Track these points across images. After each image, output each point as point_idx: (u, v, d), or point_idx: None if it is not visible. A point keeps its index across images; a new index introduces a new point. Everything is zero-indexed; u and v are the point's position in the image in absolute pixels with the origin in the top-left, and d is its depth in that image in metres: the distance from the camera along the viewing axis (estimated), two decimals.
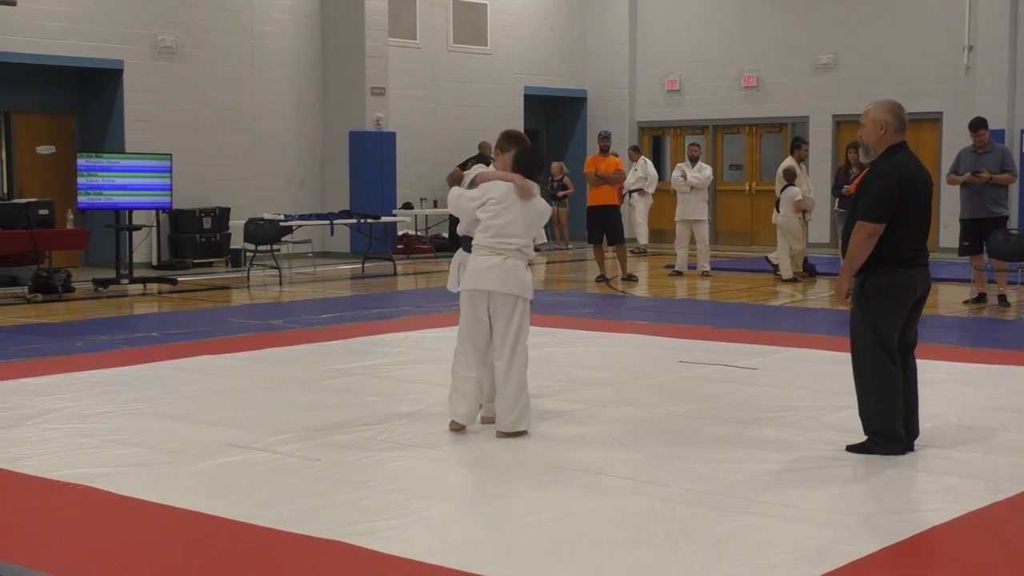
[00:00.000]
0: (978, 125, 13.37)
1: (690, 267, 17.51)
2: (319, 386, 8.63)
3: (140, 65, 18.22)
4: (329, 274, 17.92)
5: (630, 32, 24.42)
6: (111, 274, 15.74)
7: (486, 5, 23.14)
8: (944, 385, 8.42)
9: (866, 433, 6.50)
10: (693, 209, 17.38)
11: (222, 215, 18.91)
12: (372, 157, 20.34)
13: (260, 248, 16.55)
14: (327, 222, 17.78)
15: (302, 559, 4.86)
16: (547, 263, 20.04)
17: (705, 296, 15.34)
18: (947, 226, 19.26)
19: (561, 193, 22.53)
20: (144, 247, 17.56)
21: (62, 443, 6.82)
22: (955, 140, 18.36)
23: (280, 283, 16.32)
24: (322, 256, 19.76)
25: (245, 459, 6.44)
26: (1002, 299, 13.34)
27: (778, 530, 5.15)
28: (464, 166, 22.32)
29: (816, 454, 6.50)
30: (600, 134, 17.49)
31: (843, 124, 21.38)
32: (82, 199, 15.47)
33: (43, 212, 14.71)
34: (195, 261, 18.52)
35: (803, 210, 16.34)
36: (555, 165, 23.24)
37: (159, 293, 15.44)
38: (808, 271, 16.66)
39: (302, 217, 17.74)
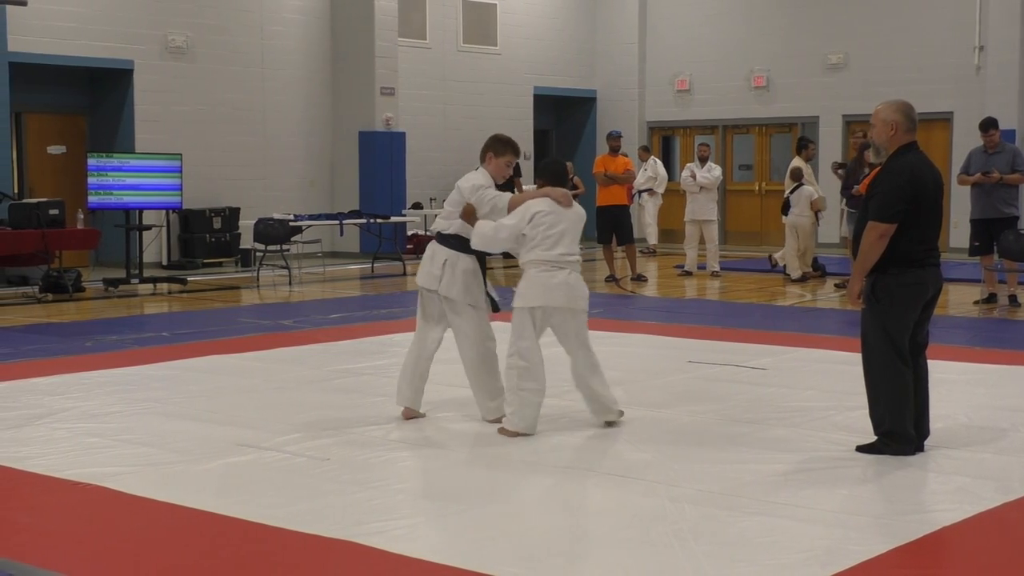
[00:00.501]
0: (989, 125, 13.34)
1: (700, 267, 17.49)
2: (328, 386, 8.63)
3: (150, 65, 18.25)
4: (339, 274, 17.93)
5: (640, 32, 24.40)
6: (121, 274, 15.77)
7: (496, 5, 23.14)
8: (955, 385, 8.40)
9: (876, 434, 6.49)
10: (702, 209, 17.36)
11: (232, 215, 18.94)
12: (382, 157, 20.36)
13: (270, 248, 16.57)
14: (337, 222, 17.79)
15: (311, 559, 4.86)
16: None
17: (715, 296, 15.33)
18: (957, 226, 19.21)
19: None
20: (154, 247, 17.58)
21: (72, 442, 6.83)
22: (966, 140, 18.32)
23: (290, 283, 16.34)
24: (332, 256, 19.78)
25: (254, 459, 6.45)
26: (1012, 299, 13.31)
27: (788, 530, 5.14)
28: None
29: (826, 454, 6.49)
30: (610, 134, 17.47)
31: (853, 124, 21.33)
32: (92, 199, 15.50)
33: (53, 212, 14.73)
34: (205, 261, 18.54)
35: (817, 210, 16.33)
36: (567, 165, 23.18)
37: (169, 293, 15.47)
38: (818, 270, 16.64)
39: (312, 217, 17.76)
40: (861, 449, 6.50)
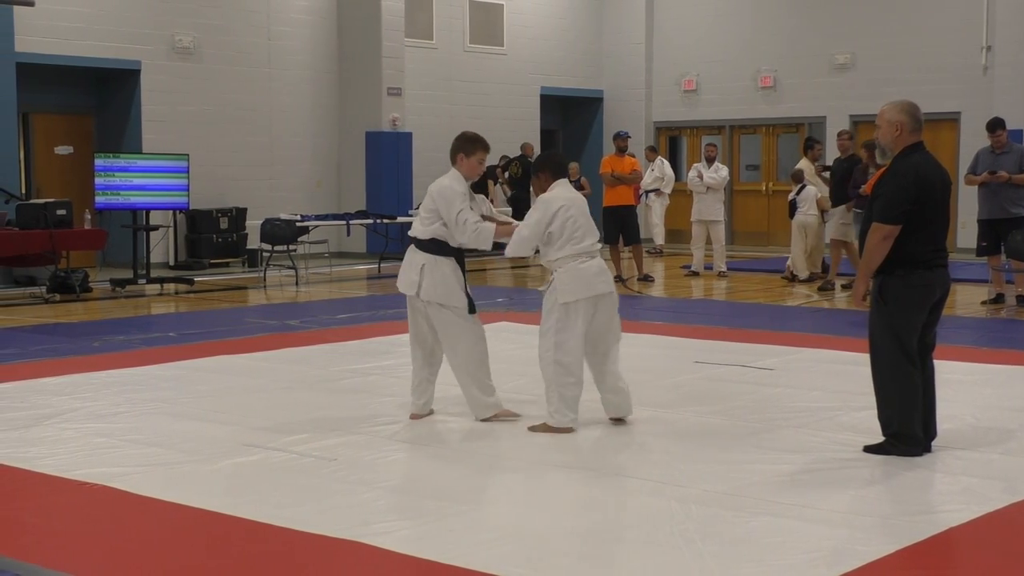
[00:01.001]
0: (996, 125, 13.32)
1: (706, 267, 17.48)
2: (335, 386, 8.64)
3: (157, 66, 18.27)
4: (345, 274, 17.94)
5: (647, 32, 24.40)
6: (128, 274, 15.80)
7: (502, 5, 23.14)
8: (962, 386, 8.39)
9: (884, 435, 6.48)
10: (709, 209, 17.36)
11: (239, 215, 18.96)
12: (388, 157, 20.37)
13: (277, 248, 16.58)
14: (343, 222, 17.80)
15: (318, 559, 4.86)
16: None
17: (721, 296, 15.32)
18: (965, 226, 19.19)
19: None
20: (161, 247, 17.61)
21: (80, 443, 6.84)
22: (973, 140, 18.31)
23: (296, 283, 16.35)
24: (338, 256, 19.79)
25: (262, 459, 6.46)
26: (1020, 300, 13.28)
27: (795, 531, 5.14)
28: (507, 167, 22.46)
29: (833, 455, 6.49)
30: (617, 134, 17.46)
31: (860, 124, 21.30)
32: (99, 199, 15.53)
33: (61, 212, 14.75)
34: (212, 261, 18.56)
35: (823, 209, 16.32)
36: (572, 165, 23.19)
37: (176, 293, 15.49)
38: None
39: (318, 217, 17.77)
40: (868, 450, 6.49)
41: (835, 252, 15.48)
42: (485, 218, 7.32)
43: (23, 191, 16.93)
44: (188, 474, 6.18)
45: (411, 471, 6.39)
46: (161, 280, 15.95)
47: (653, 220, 21.70)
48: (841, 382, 8.47)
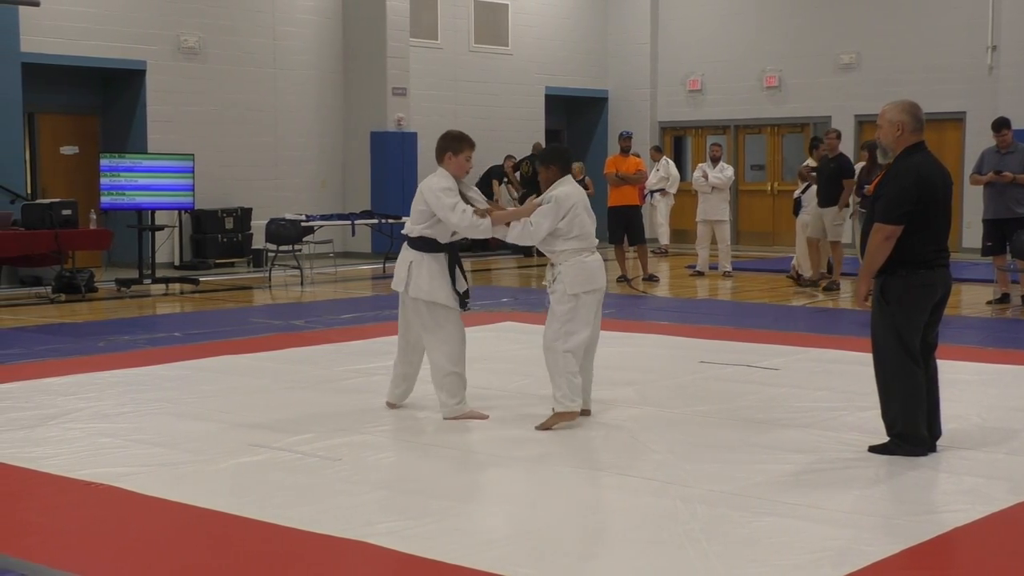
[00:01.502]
0: (1001, 125, 13.31)
1: (711, 267, 17.48)
2: (340, 386, 8.64)
3: (163, 66, 18.29)
4: (350, 274, 17.95)
5: (651, 32, 24.38)
6: (134, 274, 15.81)
7: (507, 5, 23.14)
8: (967, 386, 8.38)
9: (889, 435, 6.47)
10: (714, 209, 17.35)
11: (244, 215, 18.97)
12: (393, 157, 20.37)
13: (282, 248, 16.59)
14: (348, 222, 17.81)
15: (323, 558, 4.87)
16: None
17: (726, 296, 15.31)
18: (970, 226, 19.17)
19: None
20: (166, 247, 17.62)
21: (85, 442, 6.85)
22: (978, 140, 18.28)
23: (301, 283, 16.35)
24: (343, 256, 19.79)
25: (266, 459, 6.46)
26: None
27: (800, 531, 5.14)
28: (518, 166, 22.55)
29: (838, 455, 6.48)
30: (621, 134, 17.46)
31: (865, 124, 21.30)
32: (105, 199, 15.54)
33: (66, 212, 14.77)
34: (217, 261, 18.58)
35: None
36: (576, 165, 23.20)
37: (181, 293, 15.50)
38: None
39: (323, 217, 17.78)
40: (873, 450, 6.49)
41: (835, 252, 15.52)
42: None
43: (28, 191, 16.95)
44: (193, 474, 6.18)
45: (414, 471, 6.39)
46: (166, 280, 15.96)
47: (658, 220, 21.69)
48: (846, 382, 8.46)
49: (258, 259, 18.64)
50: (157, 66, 18.21)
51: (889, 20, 21.52)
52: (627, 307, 13.71)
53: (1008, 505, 5.57)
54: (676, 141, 24.96)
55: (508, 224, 7.39)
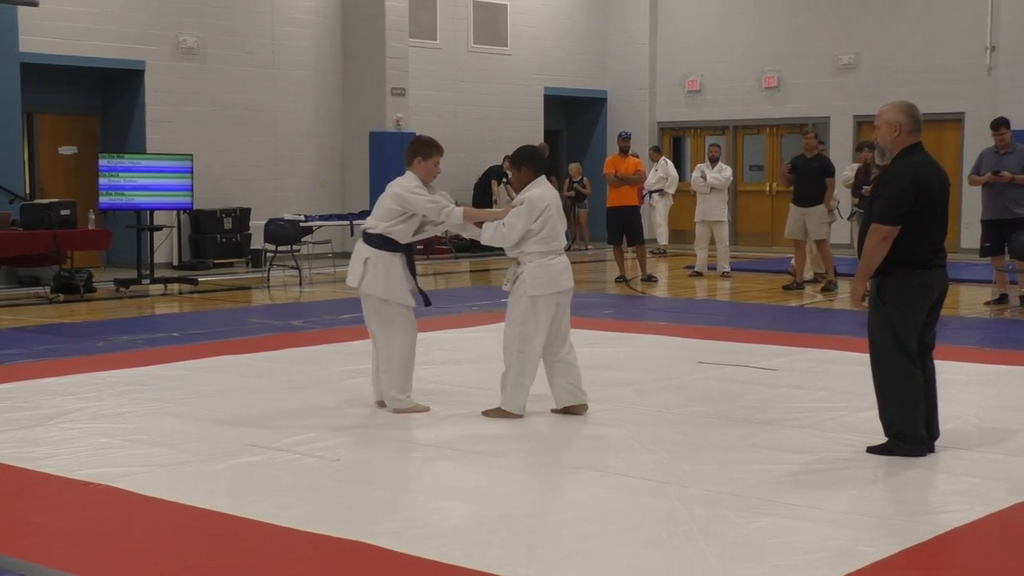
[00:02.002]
0: (1000, 125, 13.32)
1: (710, 268, 17.48)
2: (339, 386, 8.64)
3: (162, 66, 18.28)
4: None
5: (650, 32, 24.39)
6: (132, 274, 15.81)
7: (506, 6, 23.14)
8: (965, 386, 8.38)
9: (887, 435, 6.48)
10: (713, 210, 17.35)
11: (243, 215, 18.97)
12: (392, 158, 20.33)
13: (280, 248, 16.59)
14: (347, 222, 17.81)
15: (322, 559, 4.87)
16: None
17: (725, 297, 15.31)
18: (968, 227, 19.18)
19: (572, 193, 22.64)
20: (165, 247, 17.62)
21: (83, 443, 6.85)
22: (977, 140, 18.28)
23: (300, 283, 16.35)
24: (342, 256, 19.71)
25: (265, 459, 6.46)
26: (1023, 300, 13.28)
27: (798, 531, 5.14)
28: None
29: (836, 455, 6.49)
30: (620, 135, 17.46)
31: (864, 125, 21.30)
32: (104, 199, 15.54)
33: (65, 212, 14.76)
34: (216, 261, 18.57)
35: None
36: (573, 166, 23.25)
37: (180, 293, 15.50)
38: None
39: (322, 217, 17.78)
40: (872, 450, 6.49)
41: (823, 251, 15.61)
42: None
43: (27, 191, 16.94)
44: (191, 474, 6.18)
45: (413, 471, 6.39)
46: (165, 280, 15.96)
47: (657, 220, 21.69)
48: (845, 383, 8.47)
49: (257, 259, 18.64)
50: (156, 66, 18.21)
51: (888, 21, 21.53)
52: (626, 307, 13.72)
53: (1006, 506, 5.57)
54: (675, 141, 24.97)
55: (481, 225, 7.52)
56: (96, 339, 11.00)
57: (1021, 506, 5.59)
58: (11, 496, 5.87)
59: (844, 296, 14.67)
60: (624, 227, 16.53)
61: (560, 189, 22.57)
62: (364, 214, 18.29)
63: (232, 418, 7.51)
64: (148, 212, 16.02)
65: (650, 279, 16.64)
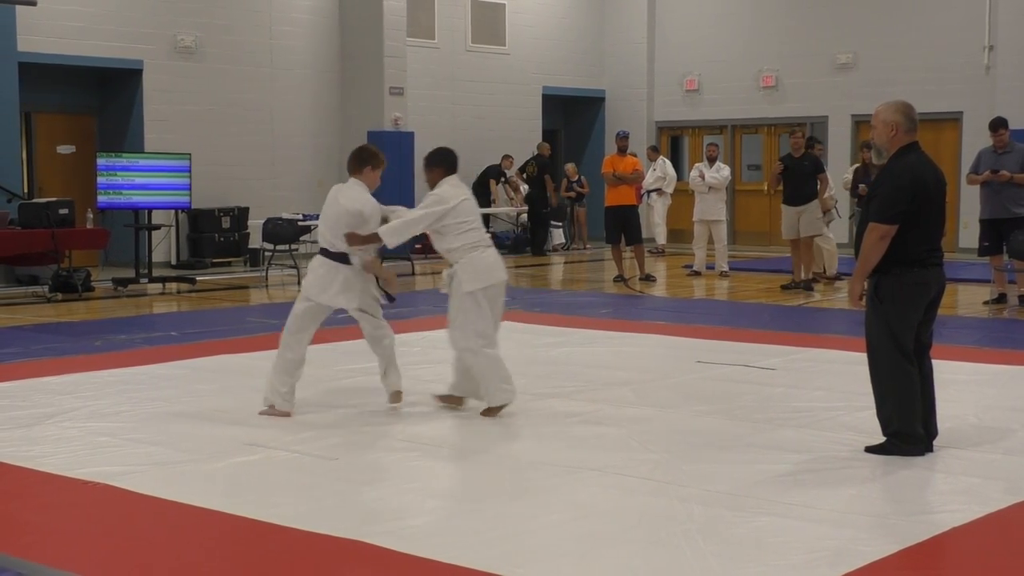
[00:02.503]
0: (998, 125, 13.31)
1: (708, 267, 17.48)
2: (336, 385, 8.65)
3: (159, 65, 18.28)
4: None
5: (648, 32, 24.39)
6: (130, 273, 15.80)
7: (504, 5, 23.14)
8: (963, 386, 8.38)
9: (885, 434, 6.48)
10: (711, 209, 17.36)
11: (241, 215, 18.96)
12: (390, 157, 20.16)
13: (278, 248, 16.59)
14: None
15: (320, 558, 4.87)
16: (565, 263, 20.04)
17: (723, 296, 15.31)
18: (967, 226, 19.18)
19: (567, 194, 22.66)
20: (163, 247, 17.61)
21: (81, 441, 6.84)
22: (975, 140, 18.29)
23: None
24: None
25: (263, 458, 6.46)
26: (1022, 300, 13.27)
27: (796, 531, 5.14)
28: (523, 168, 22.72)
29: (835, 455, 6.49)
30: (618, 134, 17.45)
31: (862, 124, 21.30)
32: (102, 199, 15.53)
33: (63, 212, 14.76)
34: (214, 260, 18.56)
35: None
36: (569, 166, 23.27)
37: (178, 292, 15.49)
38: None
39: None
40: (870, 450, 6.50)
41: (816, 248, 15.67)
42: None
43: (25, 190, 16.94)
44: (190, 473, 6.18)
45: (412, 470, 6.39)
46: (163, 279, 15.95)
47: (655, 220, 21.69)
48: (843, 382, 8.47)
49: (255, 258, 18.63)
50: (154, 65, 18.20)
51: (886, 20, 21.53)
52: (624, 307, 13.72)
53: (1004, 505, 5.57)
54: (673, 141, 24.97)
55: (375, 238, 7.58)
56: (94, 338, 10.99)
57: (1019, 506, 5.59)
58: (9, 495, 5.87)
59: (841, 296, 14.66)
60: (622, 226, 16.53)
61: (558, 189, 22.60)
62: None
63: (230, 417, 7.51)
64: (146, 211, 16.00)
65: (648, 278, 16.64)
